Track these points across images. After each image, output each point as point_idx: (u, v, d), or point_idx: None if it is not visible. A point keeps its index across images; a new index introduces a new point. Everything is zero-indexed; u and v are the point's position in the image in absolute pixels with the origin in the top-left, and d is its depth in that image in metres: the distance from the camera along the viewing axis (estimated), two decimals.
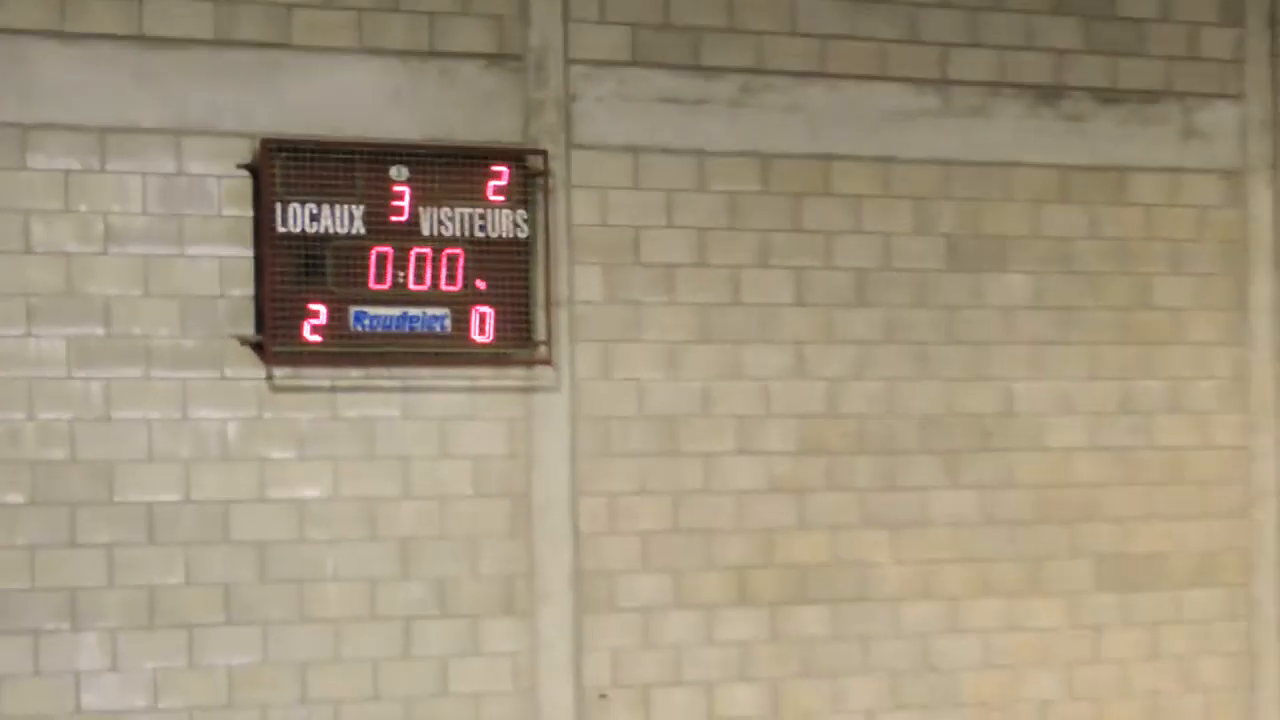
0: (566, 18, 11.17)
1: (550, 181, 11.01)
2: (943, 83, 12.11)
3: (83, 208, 10.12)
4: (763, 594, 11.60)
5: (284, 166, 10.35)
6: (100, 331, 10.12)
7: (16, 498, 9.91)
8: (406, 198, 10.63)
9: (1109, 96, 12.51)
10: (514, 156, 10.84)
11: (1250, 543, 12.96)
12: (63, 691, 10.05)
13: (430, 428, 10.87)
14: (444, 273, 10.76)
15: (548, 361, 10.99)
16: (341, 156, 10.53)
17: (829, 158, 11.77)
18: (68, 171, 10.12)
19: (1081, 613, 12.45)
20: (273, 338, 10.33)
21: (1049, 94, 12.34)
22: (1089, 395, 12.56)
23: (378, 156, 10.57)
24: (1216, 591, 12.80)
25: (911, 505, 12.03)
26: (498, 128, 11.01)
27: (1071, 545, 12.48)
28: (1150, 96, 12.63)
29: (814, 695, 11.69)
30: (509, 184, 10.83)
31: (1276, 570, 13.01)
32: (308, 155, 10.41)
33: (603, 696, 11.25)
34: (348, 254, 10.55)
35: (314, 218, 10.43)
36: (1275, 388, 13.04)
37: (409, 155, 10.64)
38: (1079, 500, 12.50)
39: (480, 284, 10.79)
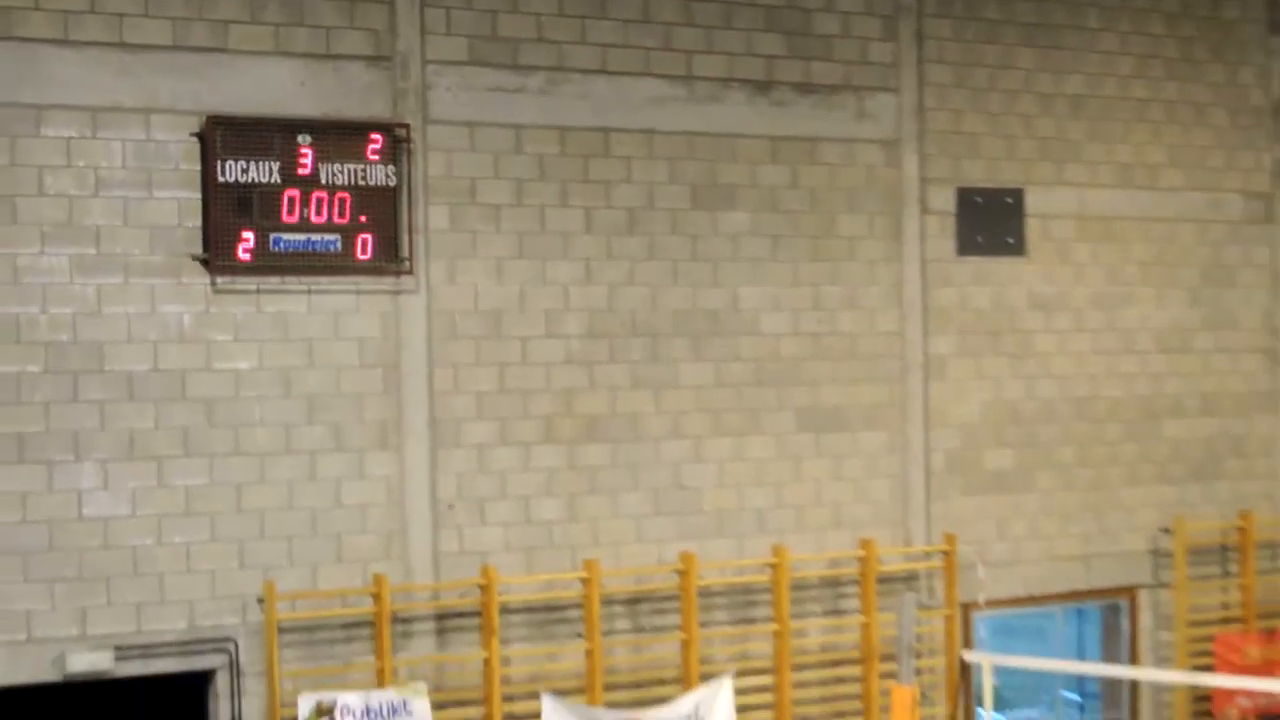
0: (423, 31, 11.83)
1: (411, 146, 11.74)
2: (689, 78, 12.73)
3: (80, 163, 10.87)
4: (563, 435, 12.33)
5: (223, 135, 11.07)
6: (93, 251, 10.90)
7: (34, 368, 10.72)
8: (310, 157, 11.32)
9: (805, 89, 13.16)
10: (386, 128, 11.55)
11: (903, 399, 13.73)
12: (69, 504, 10.83)
13: (328, 318, 11.59)
14: (336, 210, 11.47)
15: (410, 272, 11.71)
16: (264, 127, 11.27)
17: (608, 130, 12.48)
18: (69, 138, 10.84)
19: (786, 447, 13.15)
20: (215, 255, 11.11)
21: (763, 86, 12.98)
22: (791, 297, 13.17)
23: (289, 128, 11.29)
24: (880, 433, 13.61)
25: (668, 373, 12.73)
26: (375, 108, 11.69)
27: (779, 401, 13.19)
28: (834, 89, 13.29)
29: (599, 506, 12.51)
30: (382, 147, 11.54)
31: (922, 419, 13.83)
32: (240, 126, 11.15)
33: (450, 506, 11.95)
34: (268, 196, 11.23)
35: (244, 171, 11.16)
36: (920, 294, 13.77)
37: (311, 127, 11.35)
38: (784, 369, 13.18)
39: (362, 218, 11.52)
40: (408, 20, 11.88)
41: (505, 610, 12.08)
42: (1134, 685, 14.78)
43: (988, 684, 12.93)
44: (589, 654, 12.30)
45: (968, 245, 14.02)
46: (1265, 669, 14.61)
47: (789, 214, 13.28)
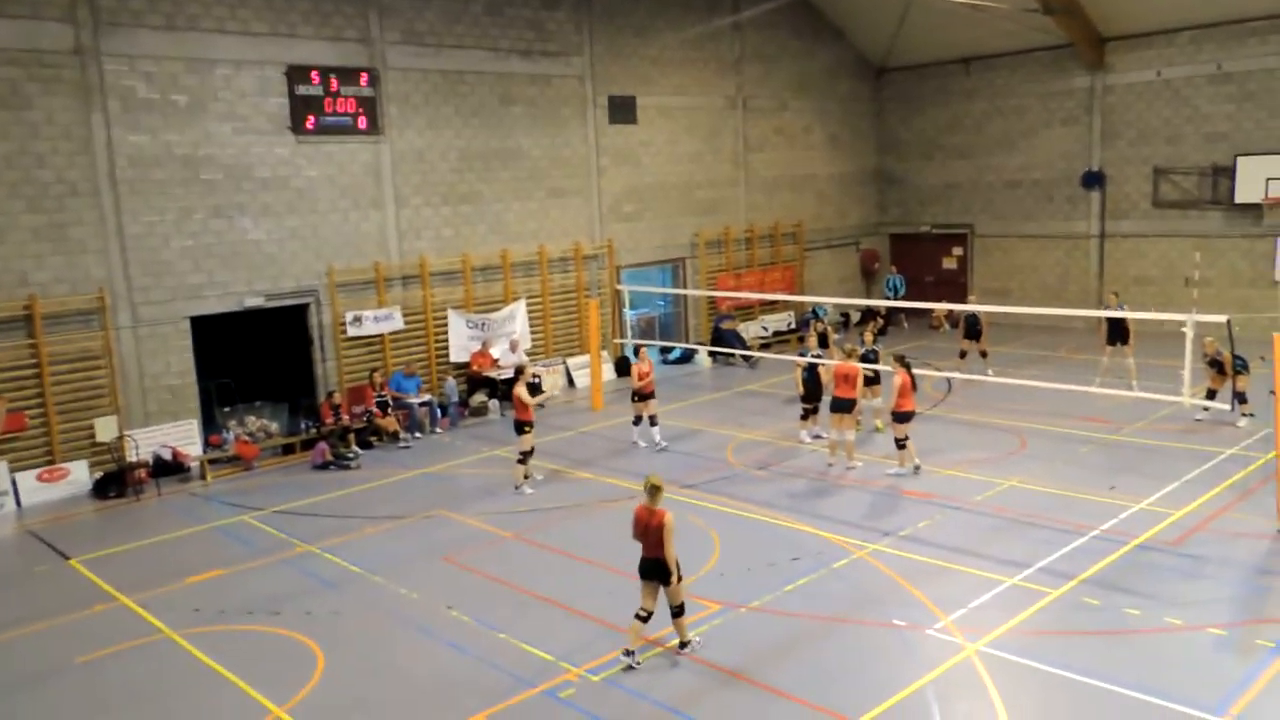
0: (383, 29, 12.57)
1: (380, 78, 12.58)
2: (495, 49, 13.78)
3: (233, 85, 11.42)
4: (450, 202, 13.39)
5: (296, 72, 11.92)
6: (242, 124, 11.68)
7: (220, 177, 11.45)
8: (336, 83, 12.31)
9: (545, 54, 14.27)
10: (369, 70, 12.55)
11: (586, 183, 14.46)
12: (240, 233, 11.66)
13: (348, 153, 12.52)
14: (349, 106, 12.43)
15: (382, 133, 12.73)
16: (314, 69, 12.06)
17: (463, 72, 13.39)
18: (227, 75, 11.26)
19: (543, 205, 14.29)
20: (296, 126, 12.06)
21: (526, 53, 14.12)
22: (541, 144, 14.06)
23: (325, 70, 12.20)
24: (580, 198, 14.74)
25: (493, 175, 13.70)
26: (363, 61, 12.51)
27: (540, 186, 13.98)
28: (557, 54, 14.42)
29: (468, 231, 13.36)
30: (368, 80, 12.50)
31: (597, 191, 14.70)
32: (304, 69, 11.99)
33: (404, 231, 12.81)
34: (317, 100, 12.18)
35: (306, 89, 12.07)
36: (582, 143, 14.62)
37: (335, 70, 12.22)
38: (541, 173, 14.02)
39: (360, 110, 12.51)
40: (375, 24, 12.75)
41: (431, 274, 13.38)
42: (685, 299, 16.63)
43: (626, 298, 15.27)
44: (466, 291, 13.74)
45: (615, 119, 15.18)
46: (736, 289, 16.15)
47: (540, 107, 14.46)
